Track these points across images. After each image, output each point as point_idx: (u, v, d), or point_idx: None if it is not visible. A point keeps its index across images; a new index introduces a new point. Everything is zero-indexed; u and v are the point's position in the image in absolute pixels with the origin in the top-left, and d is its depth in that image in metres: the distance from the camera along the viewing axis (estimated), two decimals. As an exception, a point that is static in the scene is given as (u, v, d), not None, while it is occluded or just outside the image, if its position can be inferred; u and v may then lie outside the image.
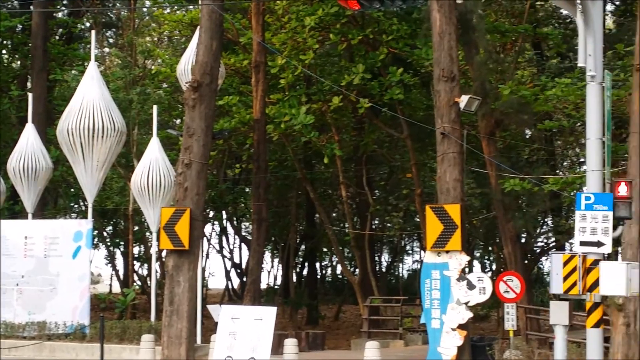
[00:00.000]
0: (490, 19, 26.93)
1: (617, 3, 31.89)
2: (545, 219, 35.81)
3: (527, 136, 32.34)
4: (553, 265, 13.80)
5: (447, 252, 16.07)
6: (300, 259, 45.24)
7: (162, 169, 24.23)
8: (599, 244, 13.48)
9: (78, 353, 21.66)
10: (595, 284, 13.50)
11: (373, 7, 13.07)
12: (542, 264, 41.43)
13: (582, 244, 13.59)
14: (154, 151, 24.61)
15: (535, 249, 34.97)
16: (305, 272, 43.96)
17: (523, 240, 30.68)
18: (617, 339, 16.07)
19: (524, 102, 23.24)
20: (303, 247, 43.95)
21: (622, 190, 13.63)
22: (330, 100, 26.23)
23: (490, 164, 24.64)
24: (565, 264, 13.62)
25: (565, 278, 13.59)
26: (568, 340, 16.19)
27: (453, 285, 16.04)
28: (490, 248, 42.34)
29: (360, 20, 26.54)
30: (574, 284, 13.51)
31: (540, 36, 28.32)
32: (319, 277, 48.20)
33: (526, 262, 31.75)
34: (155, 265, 27.85)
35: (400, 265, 54.77)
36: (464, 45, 23.60)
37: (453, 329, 15.96)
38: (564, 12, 22.84)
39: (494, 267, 43.92)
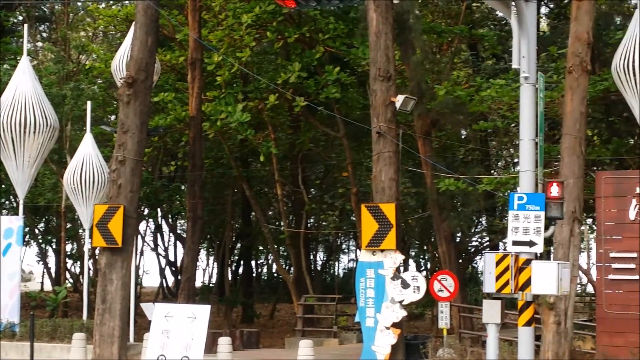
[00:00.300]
0: (426, 20, 27.13)
1: (551, 6, 32.36)
2: (480, 219, 36.16)
3: (463, 136, 32.64)
4: (486, 265, 13.93)
5: (382, 251, 16.16)
6: (236, 257, 45.09)
7: (95, 165, 24.00)
8: (531, 243, 13.63)
9: (7, 352, 21.31)
10: (527, 283, 13.66)
11: (309, 5, 13.07)
12: (476, 263, 41.90)
13: (515, 243, 13.73)
14: (88, 147, 24.36)
15: (469, 248, 35.31)
16: (240, 270, 43.86)
17: (458, 240, 30.95)
18: (548, 337, 16.29)
19: (459, 103, 23.47)
20: (239, 245, 43.83)
21: (554, 190, 13.78)
22: (267, 98, 26.18)
23: (425, 163, 24.84)
24: (498, 263, 13.75)
25: (498, 277, 13.72)
26: (500, 339, 16.41)
27: (387, 284, 16.14)
28: (425, 247, 42.67)
29: (297, 19, 26.53)
30: (507, 283, 13.64)
31: (476, 37, 28.61)
32: (254, 275, 48.11)
33: (460, 261, 32.08)
34: (88, 263, 27.54)
35: (336, 263, 54.99)
36: (401, 45, 23.75)
37: (387, 328, 16.05)
38: (500, 14, 23.08)
39: (428, 266, 44.28)
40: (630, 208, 16.97)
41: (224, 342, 18.16)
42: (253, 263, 48.19)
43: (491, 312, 13.94)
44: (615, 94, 20.09)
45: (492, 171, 32.02)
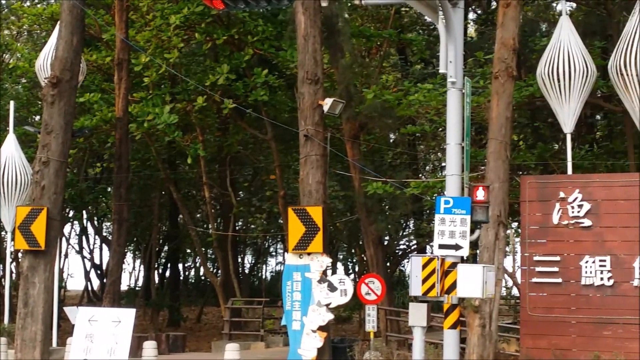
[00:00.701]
0: (355, 23, 27.25)
1: (479, 12, 32.77)
2: (408, 222, 36.46)
3: (391, 140, 32.86)
4: (412, 268, 14.03)
5: (309, 254, 16.19)
6: (163, 260, 44.76)
7: (18, 166, 23.63)
8: (457, 247, 13.75)
9: None
10: (453, 286, 13.78)
11: (238, 7, 12.98)
12: (403, 266, 42.20)
13: (441, 247, 13.84)
14: (11, 148, 23.97)
15: (397, 251, 35.60)
16: (167, 273, 43.53)
17: (385, 243, 31.17)
18: (473, 339, 16.47)
19: (387, 107, 23.59)
20: (166, 248, 43.50)
21: (480, 194, 13.91)
22: (195, 100, 26.02)
23: (353, 166, 24.94)
24: (424, 266, 13.87)
25: (424, 280, 13.83)
26: (426, 341, 16.54)
27: (314, 287, 16.17)
28: (353, 250, 42.85)
29: (225, 20, 26.43)
30: (433, 286, 13.76)
31: (405, 42, 28.82)
32: (181, 278, 47.82)
33: (388, 264, 32.33)
34: (10, 266, 27.06)
35: (264, 266, 54.91)
36: (329, 48, 23.81)
37: (314, 331, 16.08)
38: (428, 19, 23.35)
39: (356, 269, 44.47)
40: (554, 212, 17.24)
41: (149, 346, 18.02)
42: (180, 266, 47.90)
43: (417, 315, 14.04)
44: (540, 99, 20.41)
45: (420, 175, 32.31)
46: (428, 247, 31.39)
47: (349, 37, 24.44)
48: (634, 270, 16.68)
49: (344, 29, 23.85)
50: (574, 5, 27.34)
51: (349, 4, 24.52)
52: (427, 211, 32.62)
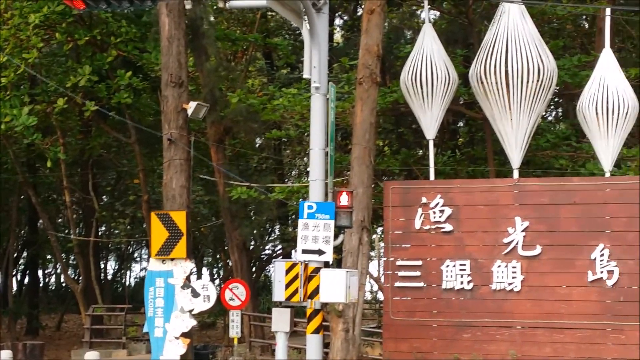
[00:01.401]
0: (221, 27, 27.11)
1: (345, 18, 33.13)
2: (273, 227, 36.51)
3: (257, 144, 32.85)
4: (276, 273, 14.04)
5: (172, 259, 16.01)
6: (22, 267, 43.51)
7: None
8: (320, 252, 13.82)
9: None
10: (316, 291, 13.86)
11: (99, 7, 12.75)
12: (269, 272, 42.22)
13: (304, 252, 13.89)
14: None
15: (262, 256, 35.57)
16: (26, 280, 42.33)
17: (251, 248, 31.12)
18: (336, 344, 16.62)
19: (252, 111, 23.55)
20: (25, 254, 42.29)
21: (344, 199, 14.04)
22: (55, 101, 25.36)
23: (218, 171, 24.83)
24: (287, 271, 13.88)
25: (288, 285, 13.84)
26: (290, 347, 16.61)
27: (177, 293, 16.00)
28: (218, 256, 42.64)
29: (87, 21, 25.86)
30: (296, 291, 13.79)
31: (271, 46, 28.85)
32: (41, 285, 46.55)
33: (254, 269, 32.28)
34: None
35: (128, 272, 54.03)
36: (194, 51, 23.63)
37: (176, 338, 15.91)
38: (294, 23, 23.52)
39: (222, 274, 44.26)
40: (416, 217, 17.56)
41: (5, 356, 17.56)
42: (40, 272, 46.62)
43: (280, 320, 14.05)
44: (404, 105, 20.71)
45: (285, 180, 32.40)
46: (293, 252, 31.44)
47: (214, 40, 24.28)
48: (492, 274, 17.15)
49: (209, 32, 23.68)
50: (438, 13, 27.92)
51: (214, 7, 24.39)
52: (292, 216, 32.74)
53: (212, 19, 24.91)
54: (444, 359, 17.15)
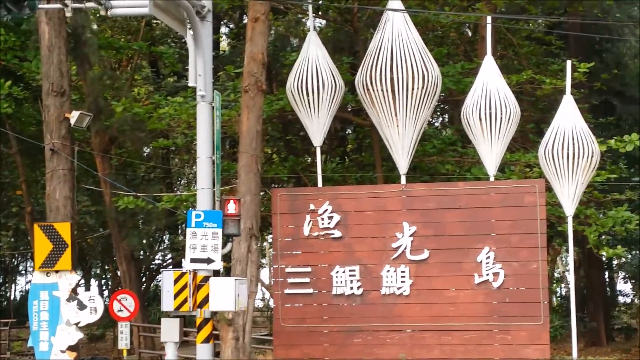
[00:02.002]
0: (105, 35, 26.73)
1: (231, 26, 33.07)
2: (163, 236, 36.15)
3: (145, 154, 32.48)
4: (164, 283, 13.97)
5: (57, 271, 15.66)
6: None
7: None
8: (208, 260, 13.79)
9: None
10: (205, 300, 13.83)
11: (-23, 15, 12.49)
12: (159, 281, 41.76)
13: (193, 260, 13.85)
14: None
15: (152, 266, 35.21)
16: None
17: (140, 258, 30.75)
18: (226, 352, 16.54)
19: (138, 120, 23.29)
20: None
21: (232, 208, 14.04)
22: None
23: (104, 181, 24.46)
24: (176, 281, 13.84)
25: (177, 295, 13.80)
26: (180, 357, 16.46)
27: (63, 306, 15.67)
28: (107, 267, 41.99)
29: (-36, 29, 25.23)
30: (185, 301, 13.75)
31: (156, 54, 28.58)
32: None
33: (144, 279, 31.91)
34: None
35: (13, 286, 52.69)
36: (77, 59, 23.25)
37: (62, 351, 15.56)
38: (178, 32, 23.36)
39: (110, 285, 43.59)
40: (305, 224, 17.61)
41: None
42: None
43: (169, 330, 13.96)
44: (291, 113, 20.75)
45: (174, 188, 32.12)
46: (183, 260, 31.15)
47: (97, 48, 23.92)
48: (381, 279, 17.32)
49: (92, 40, 23.32)
50: (324, 22, 28.11)
51: (97, 15, 24.05)
52: (182, 225, 32.47)
53: (95, 27, 24.54)
54: (334, 364, 17.23)
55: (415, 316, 17.15)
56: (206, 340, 14.12)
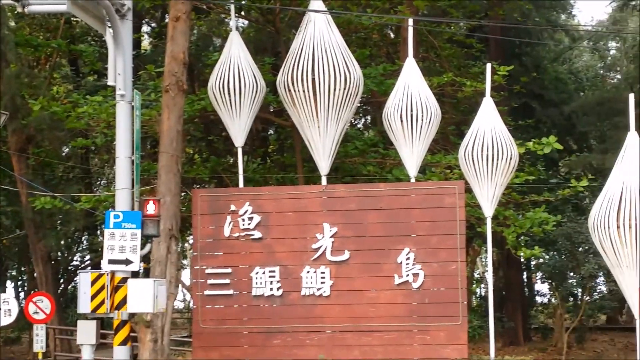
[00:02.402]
0: (23, 32, 26.27)
1: (153, 25, 32.79)
2: (81, 237, 35.66)
3: (64, 153, 32.00)
4: (81, 284, 13.82)
5: (-29, 274, 15.44)
6: None
7: None
8: (127, 261, 13.68)
9: None
10: (123, 301, 13.70)
11: None
12: (77, 283, 41.15)
13: (111, 262, 13.73)
14: None
15: (70, 267, 34.70)
16: None
17: (58, 259, 30.29)
18: (144, 355, 16.39)
19: (56, 119, 22.94)
20: None
21: (151, 208, 13.93)
22: None
23: (20, 181, 24.05)
24: (93, 282, 13.70)
25: (94, 297, 13.67)
26: (97, 359, 16.26)
27: (-23, 309, 15.43)
28: (23, 268, 41.25)
29: None
30: (102, 303, 13.62)
31: (76, 53, 28.19)
32: None
33: (61, 281, 31.43)
34: None
35: None
36: (-7, 57, 22.84)
37: (-24, 355, 15.32)
38: (98, 30, 23.06)
39: (27, 287, 42.84)
40: (225, 225, 17.56)
41: None
42: None
43: (86, 333, 13.81)
44: (213, 113, 20.66)
45: (94, 189, 31.72)
46: (102, 262, 30.78)
47: (15, 46, 23.50)
48: (301, 280, 17.35)
49: (9, 37, 22.92)
50: (246, 22, 28.06)
51: (15, 12, 23.63)
52: (101, 225, 32.06)
53: (12, 24, 24.10)
54: (254, 366, 17.21)
55: (335, 317, 17.22)
56: (124, 343, 13.99)
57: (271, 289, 17.40)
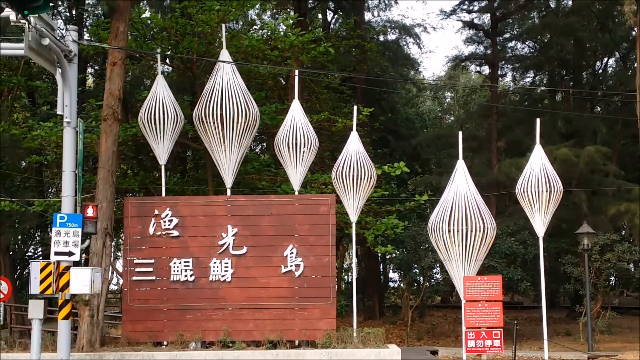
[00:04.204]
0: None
1: (96, 67, 32.12)
2: (35, 234, 34.51)
3: (22, 167, 30.92)
4: (32, 271, 13.42)
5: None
6: None
7: None
8: (70, 253, 13.35)
9: None
10: (66, 285, 13.35)
11: None
12: (30, 270, 39.75)
13: (57, 254, 13.40)
14: None
15: (25, 257, 33.54)
16: None
17: (16, 250, 29.25)
18: (83, 327, 16.03)
19: (16, 139, 22.27)
20: None
21: (90, 212, 13.68)
22: None
23: (-15, 188, 23.16)
24: (42, 269, 13.32)
25: (42, 281, 13.28)
26: (45, 331, 15.76)
27: (-55, 290, 14.73)
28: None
29: None
30: (49, 286, 13.24)
31: (33, 87, 27.39)
32: None
33: (18, 268, 30.38)
34: None
35: None
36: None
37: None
38: (50, 70, 22.40)
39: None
40: (150, 225, 17.27)
41: None
42: None
43: (35, 309, 13.41)
44: (142, 138, 20.34)
45: (45, 195, 30.72)
46: (51, 253, 29.83)
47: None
48: (209, 268, 17.20)
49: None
50: (170, 68, 27.69)
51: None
52: (50, 224, 31.06)
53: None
54: (171, 336, 16.94)
55: (235, 297, 17.13)
56: (66, 317, 13.60)
57: (186, 276, 17.19)
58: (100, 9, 31.51)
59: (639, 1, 19.96)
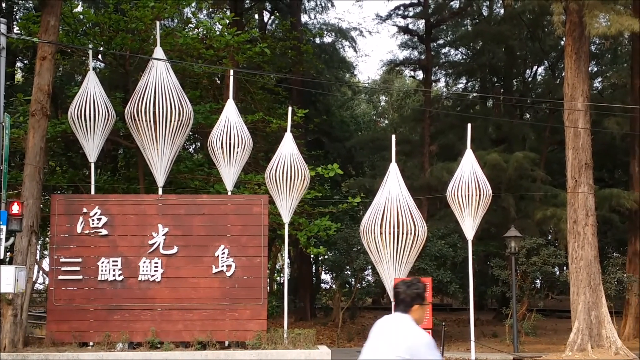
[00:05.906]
0: None
1: (25, 62, 31.37)
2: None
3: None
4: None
5: None
6: None
7: None
8: (-7, 251, 12.96)
9: None
10: (-12, 284, 12.96)
11: None
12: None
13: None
14: None
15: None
16: None
17: None
18: (6, 327, 15.59)
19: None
20: None
21: (15, 209, 13.36)
22: None
23: None
24: (-37, 268, 12.87)
25: (-37, 280, 12.85)
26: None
27: None
28: None
29: None
30: (-29, 285, 12.82)
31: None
32: None
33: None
34: None
35: None
36: None
37: None
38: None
39: None
40: (78, 224, 16.92)
41: None
42: None
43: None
44: (72, 134, 19.94)
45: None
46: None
47: None
48: (139, 268, 16.94)
49: None
50: (103, 64, 27.22)
51: None
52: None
53: None
54: (97, 337, 16.61)
55: (165, 298, 16.92)
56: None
57: (114, 275, 16.89)
58: (30, 2, 30.81)
59: (568, 12, 20.52)
